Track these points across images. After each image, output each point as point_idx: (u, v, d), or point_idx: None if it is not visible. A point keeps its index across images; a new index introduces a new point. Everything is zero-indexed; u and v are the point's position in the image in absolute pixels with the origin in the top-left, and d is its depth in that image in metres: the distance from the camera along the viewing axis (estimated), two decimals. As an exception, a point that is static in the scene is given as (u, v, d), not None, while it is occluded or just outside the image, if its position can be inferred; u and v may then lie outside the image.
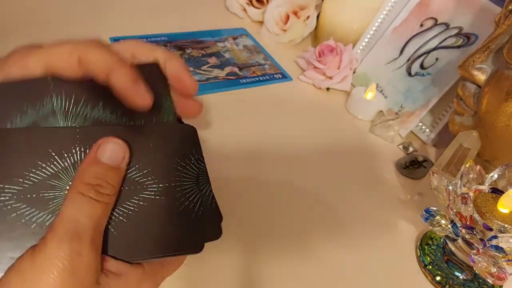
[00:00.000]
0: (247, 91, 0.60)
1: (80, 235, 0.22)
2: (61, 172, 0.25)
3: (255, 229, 0.42)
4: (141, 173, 0.27)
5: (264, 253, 0.40)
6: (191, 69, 0.61)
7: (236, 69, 0.63)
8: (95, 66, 0.25)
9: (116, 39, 0.63)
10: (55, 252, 0.21)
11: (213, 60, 0.64)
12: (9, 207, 0.23)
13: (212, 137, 0.51)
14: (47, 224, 0.24)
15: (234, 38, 0.70)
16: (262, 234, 0.42)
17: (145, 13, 0.73)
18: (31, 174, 0.24)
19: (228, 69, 0.63)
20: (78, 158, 0.25)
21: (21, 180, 0.24)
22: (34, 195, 0.24)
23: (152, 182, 0.27)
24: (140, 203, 0.26)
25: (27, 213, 0.24)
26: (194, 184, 0.29)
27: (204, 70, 0.61)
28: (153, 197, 0.27)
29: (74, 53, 0.25)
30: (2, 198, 0.23)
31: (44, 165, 0.24)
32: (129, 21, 0.70)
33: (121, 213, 0.26)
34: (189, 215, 0.28)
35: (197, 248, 0.27)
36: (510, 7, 0.44)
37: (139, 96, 0.26)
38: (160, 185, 0.27)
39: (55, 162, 0.25)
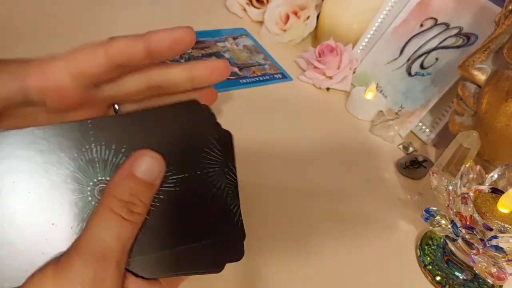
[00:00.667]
0: (247, 91, 0.60)
1: (106, 257, 0.21)
2: (78, 172, 0.23)
3: (254, 229, 0.42)
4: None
5: (263, 253, 0.40)
6: (191, 69, 0.61)
7: (236, 69, 0.63)
8: (126, 53, 0.24)
9: (116, 39, 0.63)
10: (79, 275, 0.21)
11: (213, 60, 0.64)
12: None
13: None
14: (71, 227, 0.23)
15: (234, 38, 0.70)
16: (261, 234, 0.42)
17: (145, 13, 0.73)
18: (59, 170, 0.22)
19: (228, 69, 0.63)
20: (94, 155, 0.23)
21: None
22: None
23: (171, 173, 0.25)
24: (161, 197, 0.24)
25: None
26: (220, 170, 0.26)
27: (204, 70, 0.61)
28: (173, 188, 0.24)
29: (99, 49, 0.24)
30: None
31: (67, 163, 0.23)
32: (129, 21, 0.70)
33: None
34: (220, 203, 0.26)
35: (219, 268, 0.26)
36: (510, 7, 0.44)
37: (183, 31, 0.25)
38: (180, 176, 0.25)
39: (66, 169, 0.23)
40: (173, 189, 0.24)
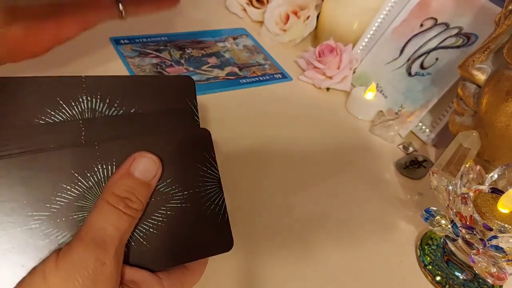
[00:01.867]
0: (247, 91, 0.60)
1: (106, 244, 0.22)
2: (87, 192, 0.25)
3: (254, 229, 0.42)
4: (165, 183, 0.27)
5: (263, 254, 0.40)
6: (191, 69, 0.61)
7: (236, 69, 0.63)
8: None
9: (116, 39, 0.63)
10: (81, 259, 0.22)
11: (213, 60, 0.64)
12: (40, 234, 0.23)
13: (212, 137, 0.51)
14: None
15: (234, 38, 0.70)
16: (261, 234, 0.42)
17: (145, 13, 0.73)
18: (57, 198, 0.24)
19: (228, 69, 0.63)
20: (101, 176, 0.25)
21: (49, 205, 0.24)
22: (63, 219, 0.24)
23: (176, 190, 0.27)
24: (168, 213, 0.27)
25: (59, 237, 0.24)
26: (217, 186, 0.29)
27: (204, 70, 0.61)
28: (180, 205, 0.27)
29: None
30: (33, 226, 0.23)
31: (69, 187, 0.24)
32: (129, 21, 0.69)
33: (150, 225, 0.26)
34: (216, 217, 0.28)
35: (229, 246, 0.29)
36: (510, 7, 0.44)
37: None
38: (185, 193, 0.27)
39: (79, 183, 0.25)
40: (179, 205, 0.27)
